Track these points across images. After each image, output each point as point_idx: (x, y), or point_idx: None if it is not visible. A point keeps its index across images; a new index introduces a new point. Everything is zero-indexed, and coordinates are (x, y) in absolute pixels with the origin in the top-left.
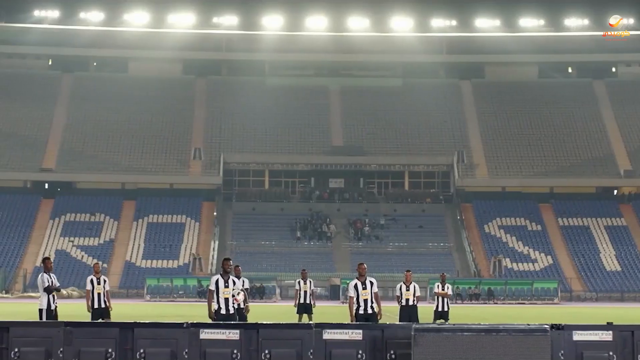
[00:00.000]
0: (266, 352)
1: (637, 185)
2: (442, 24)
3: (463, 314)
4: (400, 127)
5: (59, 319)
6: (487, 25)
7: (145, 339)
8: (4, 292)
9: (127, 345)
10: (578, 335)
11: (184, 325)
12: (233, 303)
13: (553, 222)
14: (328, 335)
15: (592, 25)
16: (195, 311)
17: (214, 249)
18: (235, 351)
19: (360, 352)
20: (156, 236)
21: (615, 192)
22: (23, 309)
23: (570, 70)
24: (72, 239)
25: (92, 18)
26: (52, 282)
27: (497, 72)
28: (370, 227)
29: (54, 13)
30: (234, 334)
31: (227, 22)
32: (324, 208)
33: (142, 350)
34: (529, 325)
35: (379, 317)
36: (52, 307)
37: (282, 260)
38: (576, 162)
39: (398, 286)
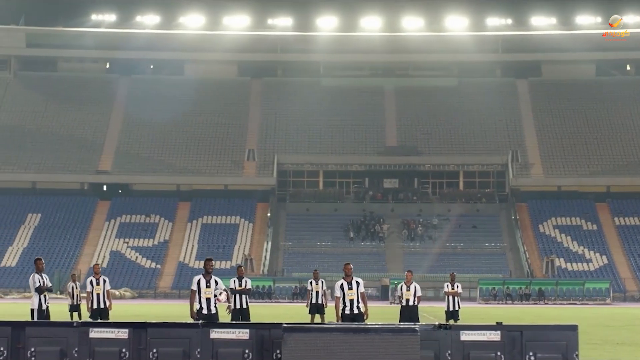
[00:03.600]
0: (154, 350)
1: None
2: (497, 23)
3: (487, 313)
4: (454, 127)
5: (51, 319)
6: (543, 23)
7: (36, 337)
8: (58, 292)
9: (19, 344)
10: (465, 335)
11: (74, 325)
12: (215, 303)
13: (609, 222)
14: (215, 334)
15: None
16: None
17: (266, 249)
18: (124, 350)
19: (246, 351)
20: (210, 237)
21: None
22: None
23: (628, 67)
24: (126, 240)
25: (148, 21)
26: (43, 282)
27: (553, 70)
28: (424, 227)
29: (110, 17)
30: (122, 333)
31: (282, 23)
32: (378, 208)
33: (33, 349)
34: (399, 325)
35: (365, 317)
36: (44, 307)
37: (334, 260)
38: (634, 160)
39: (399, 286)
